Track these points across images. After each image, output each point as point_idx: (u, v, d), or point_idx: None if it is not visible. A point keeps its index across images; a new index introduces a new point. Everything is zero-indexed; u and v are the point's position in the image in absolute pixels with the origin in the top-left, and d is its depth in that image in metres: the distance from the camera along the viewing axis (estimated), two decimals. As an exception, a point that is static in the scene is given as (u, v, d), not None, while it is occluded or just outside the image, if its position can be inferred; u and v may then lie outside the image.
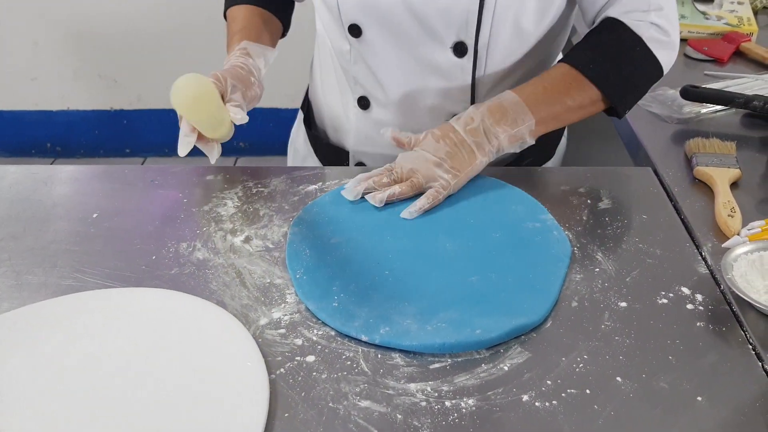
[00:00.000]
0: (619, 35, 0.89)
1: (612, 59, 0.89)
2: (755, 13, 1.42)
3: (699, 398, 0.61)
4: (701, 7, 1.40)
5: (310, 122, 1.15)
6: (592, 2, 0.92)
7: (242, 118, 0.87)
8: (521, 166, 1.05)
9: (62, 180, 0.93)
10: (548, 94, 0.87)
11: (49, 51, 2.53)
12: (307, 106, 1.16)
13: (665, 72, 0.92)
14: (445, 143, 0.84)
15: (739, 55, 1.28)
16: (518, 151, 0.88)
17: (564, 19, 0.95)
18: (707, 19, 1.36)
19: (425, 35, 0.90)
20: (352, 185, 0.85)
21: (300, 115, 1.18)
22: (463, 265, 0.75)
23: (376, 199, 0.83)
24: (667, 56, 0.91)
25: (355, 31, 0.92)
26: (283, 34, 1.09)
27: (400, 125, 1.01)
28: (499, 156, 0.88)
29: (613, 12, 0.90)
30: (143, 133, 2.70)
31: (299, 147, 1.16)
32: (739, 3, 1.41)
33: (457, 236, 0.79)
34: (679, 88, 1.08)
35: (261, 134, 2.46)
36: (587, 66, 0.88)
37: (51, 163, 2.68)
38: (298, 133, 1.18)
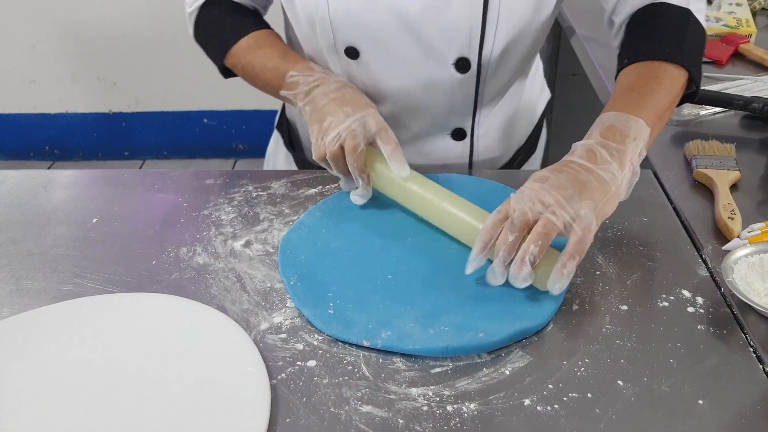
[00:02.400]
0: (670, 14, 0.86)
1: (677, 37, 0.84)
2: (754, 14, 1.42)
3: (700, 401, 0.61)
4: (699, 8, 1.40)
5: (294, 144, 1.08)
6: None
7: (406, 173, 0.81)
8: (513, 166, 1.05)
9: (62, 184, 0.93)
10: (644, 98, 0.78)
11: (47, 54, 2.53)
12: (287, 126, 1.09)
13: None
14: (566, 174, 0.71)
15: (738, 56, 1.28)
16: (637, 178, 0.76)
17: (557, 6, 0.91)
18: (706, 20, 1.35)
19: (425, 54, 0.86)
20: (475, 262, 0.70)
21: (276, 137, 1.12)
22: (465, 269, 0.75)
23: (518, 276, 0.67)
24: (703, 20, 0.88)
25: (352, 53, 0.88)
26: None
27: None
28: (501, 160, 0.83)
29: None
30: (141, 136, 2.70)
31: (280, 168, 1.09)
32: (737, 4, 1.41)
33: (458, 240, 0.79)
34: (678, 90, 1.08)
35: (260, 136, 2.46)
36: (662, 51, 0.82)
37: (49, 167, 2.68)
38: (276, 156, 1.12)
